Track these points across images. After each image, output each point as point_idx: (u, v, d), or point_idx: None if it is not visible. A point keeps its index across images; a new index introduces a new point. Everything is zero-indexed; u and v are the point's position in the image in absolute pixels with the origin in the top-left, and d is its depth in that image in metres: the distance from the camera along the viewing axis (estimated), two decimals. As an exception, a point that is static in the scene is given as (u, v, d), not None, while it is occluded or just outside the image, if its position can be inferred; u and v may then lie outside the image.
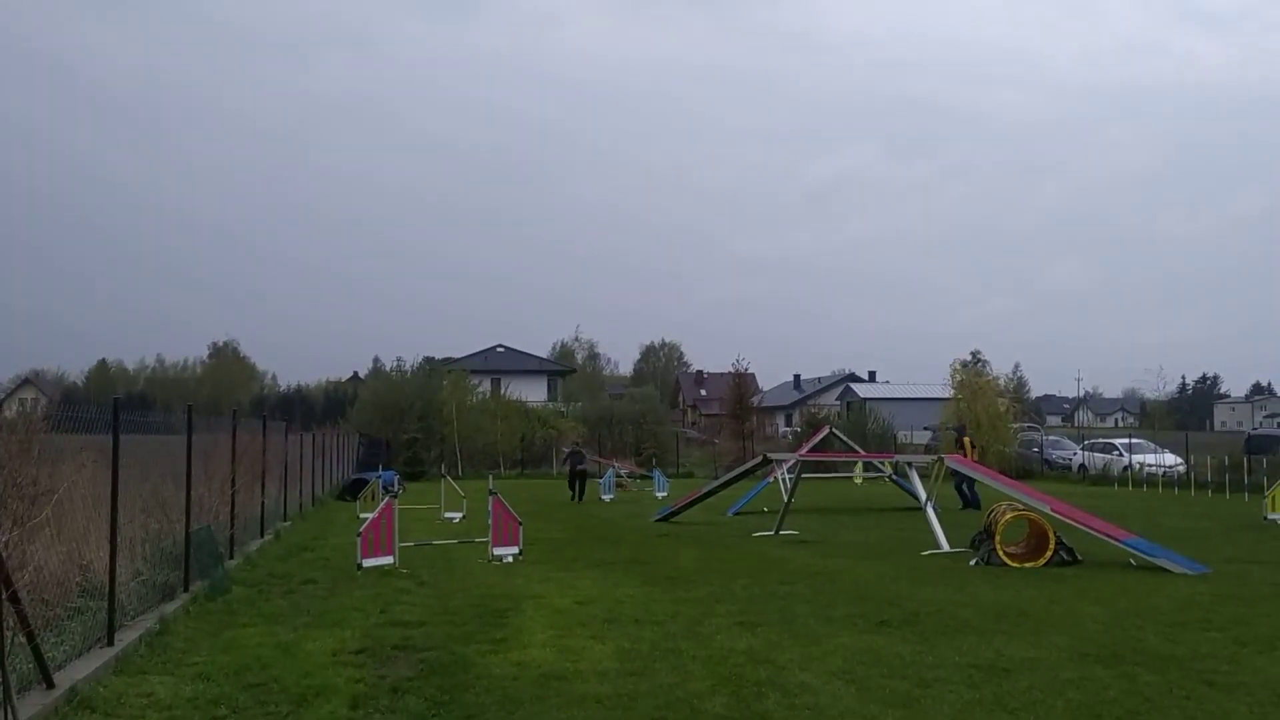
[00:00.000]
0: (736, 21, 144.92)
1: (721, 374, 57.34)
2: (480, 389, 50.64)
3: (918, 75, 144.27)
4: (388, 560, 13.33)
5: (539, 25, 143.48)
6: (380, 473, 27.28)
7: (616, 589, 11.55)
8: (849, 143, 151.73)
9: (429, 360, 58.22)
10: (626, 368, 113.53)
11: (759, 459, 22.92)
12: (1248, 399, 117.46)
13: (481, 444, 44.22)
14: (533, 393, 57.13)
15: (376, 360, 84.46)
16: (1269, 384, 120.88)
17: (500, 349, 69.76)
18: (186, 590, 10.62)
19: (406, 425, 43.01)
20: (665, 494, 28.45)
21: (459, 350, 67.52)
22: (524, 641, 8.57)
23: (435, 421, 43.76)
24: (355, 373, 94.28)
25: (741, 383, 48.72)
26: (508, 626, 9.27)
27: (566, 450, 19.62)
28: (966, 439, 23.99)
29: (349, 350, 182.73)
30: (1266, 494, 21.05)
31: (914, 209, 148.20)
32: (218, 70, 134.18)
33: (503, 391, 51.74)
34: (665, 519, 20.80)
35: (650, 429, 49.68)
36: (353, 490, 27.55)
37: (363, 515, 18.12)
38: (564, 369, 77.78)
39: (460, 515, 21.20)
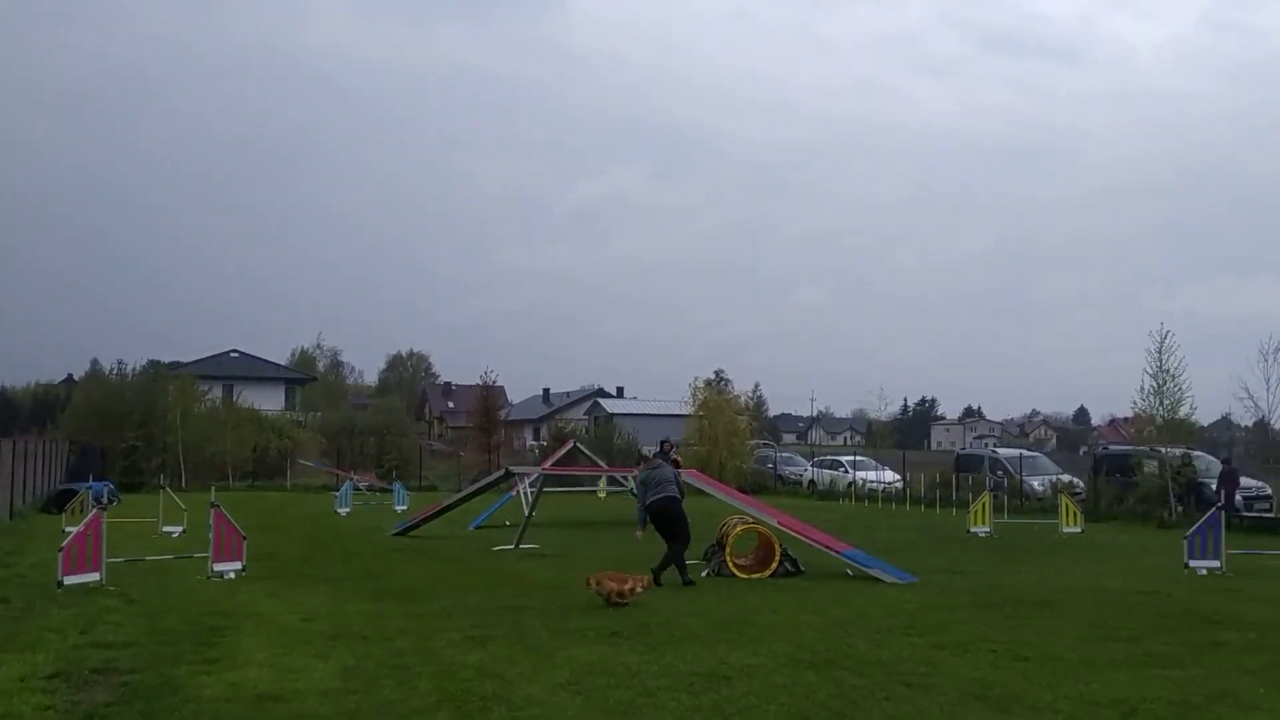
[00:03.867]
0: (497, 31, 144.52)
1: (470, 386, 56.71)
2: (210, 395, 47.94)
3: (675, 100, 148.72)
4: (94, 577, 12.33)
5: (287, 17, 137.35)
6: (92, 483, 25.47)
7: (346, 605, 11.21)
8: (615, 164, 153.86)
9: (154, 364, 55.25)
10: (372, 377, 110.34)
11: (501, 472, 22.87)
12: (960, 420, 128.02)
13: (209, 454, 41.82)
14: (269, 401, 54.68)
15: (95, 363, 78.18)
16: (979, 407, 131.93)
17: (234, 354, 66.20)
18: None
19: (125, 433, 40.54)
20: (405, 507, 27.89)
21: (189, 354, 63.79)
22: (240, 661, 8.13)
23: (158, 429, 41.23)
24: (70, 375, 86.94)
25: (489, 395, 48.54)
26: (223, 645, 8.78)
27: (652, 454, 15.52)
28: (676, 456, 23.68)
29: (63, 351, 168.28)
30: (970, 509, 22.97)
31: (672, 231, 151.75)
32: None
33: (235, 399, 49.16)
34: (403, 533, 20.37)
35: (394, 440, 48.75)
36: (60, 502, 25.50)
37: (68, 529, 16.73)
38: (304, 377, 74.74)
39: (180, 529, 19.97)
